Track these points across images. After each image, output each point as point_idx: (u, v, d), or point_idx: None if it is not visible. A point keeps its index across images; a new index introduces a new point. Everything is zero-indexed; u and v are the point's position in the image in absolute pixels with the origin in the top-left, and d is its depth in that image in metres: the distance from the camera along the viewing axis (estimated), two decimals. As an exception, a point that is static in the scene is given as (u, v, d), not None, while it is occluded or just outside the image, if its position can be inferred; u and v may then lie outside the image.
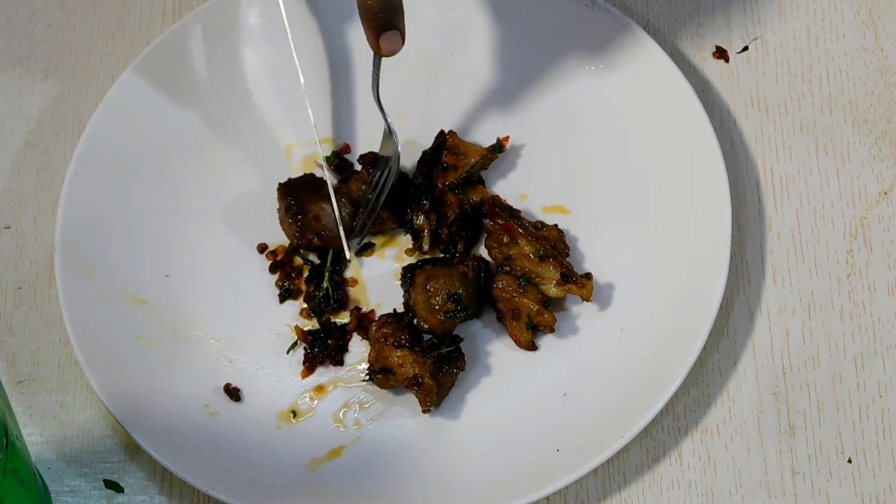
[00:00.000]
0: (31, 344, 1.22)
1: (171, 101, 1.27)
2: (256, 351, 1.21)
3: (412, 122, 1.28)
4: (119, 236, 1.23)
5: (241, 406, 1.18)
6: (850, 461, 1.15)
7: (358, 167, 1.26)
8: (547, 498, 1.14)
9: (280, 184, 1.24)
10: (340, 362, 1.20)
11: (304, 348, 1.20)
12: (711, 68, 1.30)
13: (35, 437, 1.18)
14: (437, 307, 1.18)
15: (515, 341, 1.19)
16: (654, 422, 1.17)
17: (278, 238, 1.24)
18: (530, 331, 1.18)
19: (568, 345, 1.19)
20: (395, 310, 1.21)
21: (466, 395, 1.18)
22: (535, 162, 1.27)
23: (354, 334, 1.21)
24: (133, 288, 1.21)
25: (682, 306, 1.17)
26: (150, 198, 1.25)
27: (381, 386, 1.17)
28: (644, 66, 1.26)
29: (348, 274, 1.23)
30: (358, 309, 1.22)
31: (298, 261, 1.24)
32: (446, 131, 1.25)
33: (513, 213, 1.21)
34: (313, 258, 1.24)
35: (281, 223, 1.24)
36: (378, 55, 1.14)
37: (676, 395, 1.17)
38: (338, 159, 1.27)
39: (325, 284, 1.22)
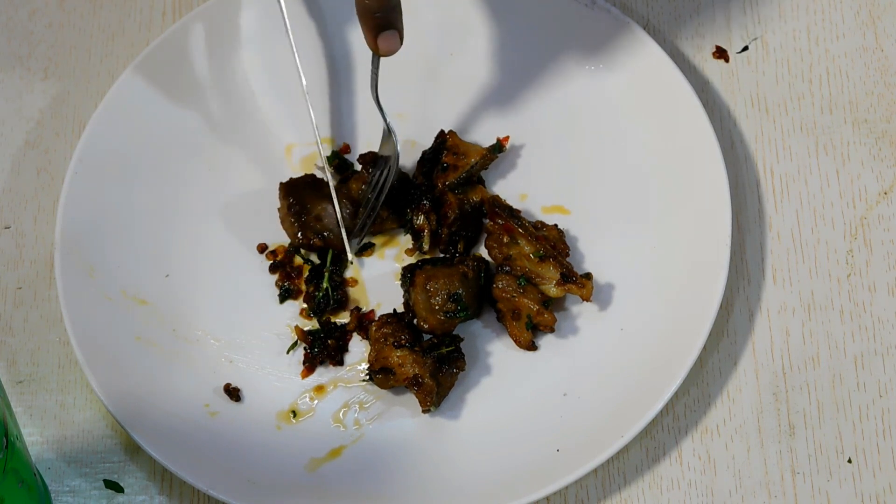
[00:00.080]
0: (31, 344, 1.22)
1: (171, 101, 1.27)
2: (256, 351, 1.21)
3: (412, 122, 1.28)
4: (119, 236, 1.23)
5: (241, 406, 1.18)
6: (850, 461, 1.15)
7: (358, 167, 1.26)
8: (547, 498, 1.14)
9: (281, 183, 1.24)
10: (340, 362, 1.20)
11: (304, 348, 1.20)
12: (711, 68, 1.30)
13: (35, 437, 1.18)
14: (437, 307, 1.18)
15: (515, 341, 1.19)
16: (654, 422, 1.17)
17: (278, 238, 1.24)
18: (530, 331, 1.18)
19: (568, 345, 1.19)
20: (395, 310, 1.21)
21: (466, 395, 1.18)
22: (535, 162, 1.27)
23: (354, 334, 1.21)
24: (133, 288, 1.21)
25: (682, 306, 1.17)
26: (150, 198, 1.25)
27: (381, 386, 1.17)
28: (644, 66, 1.26)
29: (348, 274, 1.23)
30: (358, 309, 1.22)
31: (298, 261, 1.24)
32: (446, 131, 1.25)
33: (513, 213, 1.21)
34: (313, 258, 1.24)
35: (282, 222, 1.24)
36: (376, 55, 1.14)
37: (676, 395, 1.17)
38: (338, 159, 1.27)
39: (324, 285, 1.22)
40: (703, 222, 1.20)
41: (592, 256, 1.22)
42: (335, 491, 1.14)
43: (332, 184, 1.23)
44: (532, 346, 1.18)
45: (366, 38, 1.12)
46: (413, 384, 1.15)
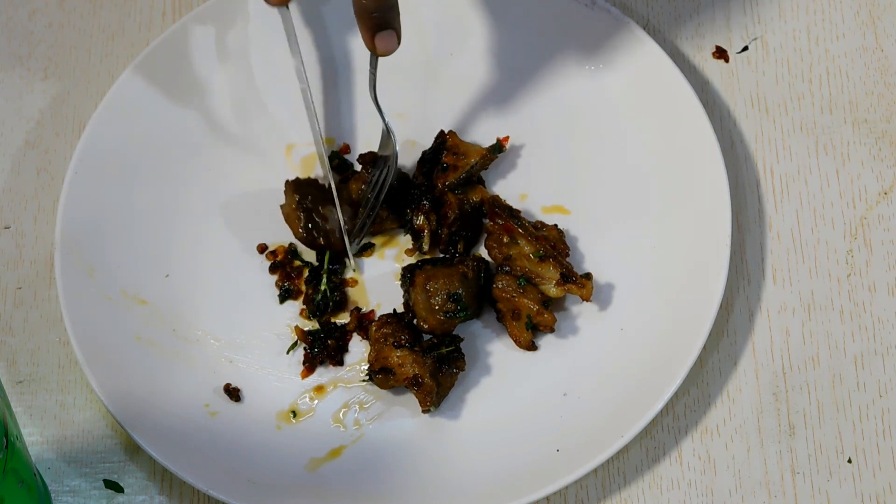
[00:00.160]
0: (31, 344, 1.22)
1: (171, 101, 1.27)
2: (256, 351, 1.21)
3: (412, 122, 1.28)
4: (119, 236, 1.23)
5: (241, 406, 1.18)
6: (850, 461, 1.15)
7: (358, 167, 1.26)
8: (547, 498, 1.14)
9: (289, 181, 1.24)
10: (340, 362, 1.20)
11: (304, 348, 1.20)
12: (711, 68, 1.30)
13: (35, 437, 1.18)
14: (436, 307, 1.18)
15: (515, 341, 1.19)
16: (654, 422, 1.17)
17: (278, 238, 1.24)
18: (530, 331, 1.18)
19: (568, 345, 1.19)
20: (395, 310, 1.21)
21: (466, 395, 1.18)
22: (535, 162, 1.27)
23: (354, 334, 1.21)
24: (133, 288, 1.21)
25: (682, 306, 1.17)
26: (150, 198, 1.25)
27: (381, 386, 1.17)
28: (644, 66, 1.26)
29: (348, 274, 1.23)
30: (358, 309, 1.22)
31: (298, 261, 1.24)
32: (446, 131, 1.25)
33: (513, 213, 1.21)
34: (311, 259, 1.23)
35: (287, 218, 1.23)
36: (374, 55, 1.14)
37: (676, 395, 1.17)
38: (338, 159, 1.27)
39: (322, 287, 1.22)
40: (703, 222, 1.20)
41: (592, 256, 1.22)
42: (335, 491, 1.14)
43: (333, 185, 1.23)
44: (532, 346, 1.18)
45: (363, 38, 1.12)
46: (413, 384, 1.15)
